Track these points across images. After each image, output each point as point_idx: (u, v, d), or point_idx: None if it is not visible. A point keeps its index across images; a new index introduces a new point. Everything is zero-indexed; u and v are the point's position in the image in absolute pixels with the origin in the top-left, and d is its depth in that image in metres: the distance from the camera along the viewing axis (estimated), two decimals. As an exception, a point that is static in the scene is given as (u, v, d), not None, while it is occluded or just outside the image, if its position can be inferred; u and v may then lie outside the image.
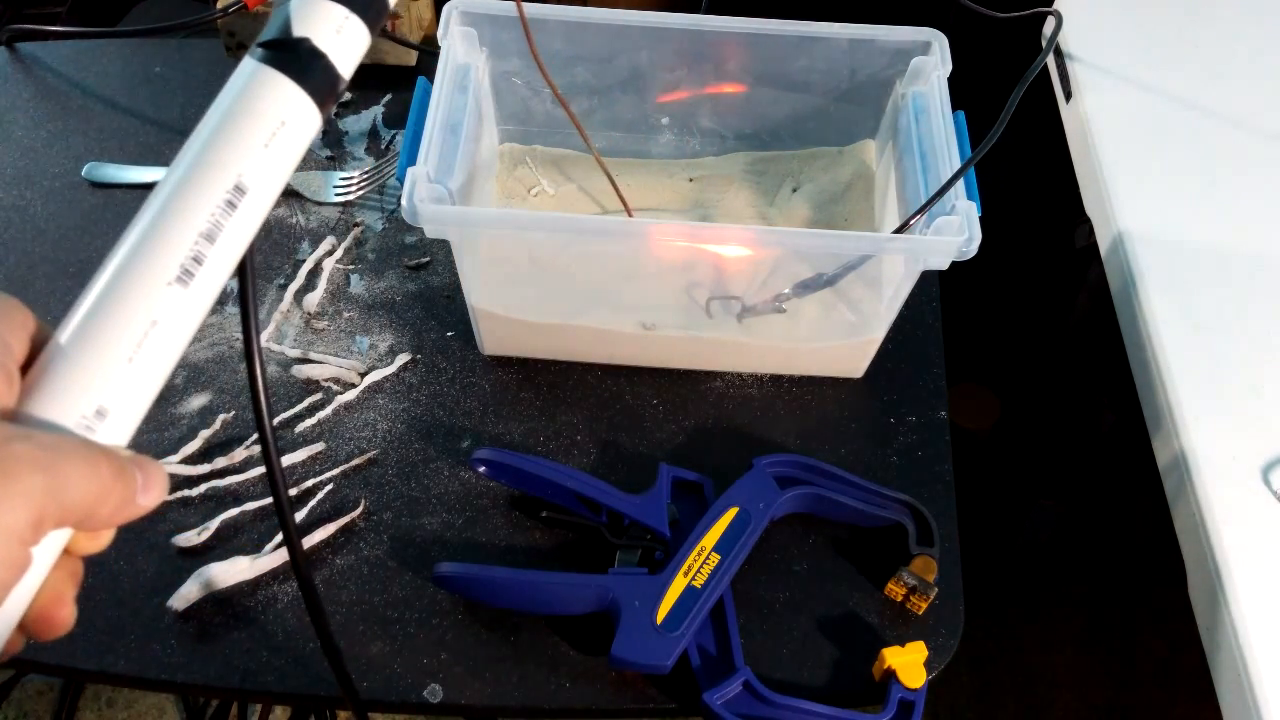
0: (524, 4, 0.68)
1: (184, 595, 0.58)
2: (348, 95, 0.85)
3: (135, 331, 0.31)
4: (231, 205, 0.33)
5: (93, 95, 0.85)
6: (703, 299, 0.67)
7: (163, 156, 0.80)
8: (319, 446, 0.65)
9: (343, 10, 0.35)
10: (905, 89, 0.69)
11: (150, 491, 0.31)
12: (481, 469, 0.63)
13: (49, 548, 0.31)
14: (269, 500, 0.63)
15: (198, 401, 0.67)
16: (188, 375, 0.68)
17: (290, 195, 0.78)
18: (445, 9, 0.66)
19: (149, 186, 0.38)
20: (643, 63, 0.71)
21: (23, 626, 0.31)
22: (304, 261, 0.74)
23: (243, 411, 0.67)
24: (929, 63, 0.67)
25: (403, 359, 0.70)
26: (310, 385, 0.69)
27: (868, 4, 0.78)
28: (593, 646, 0.58)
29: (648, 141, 0.77)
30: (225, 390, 0.68)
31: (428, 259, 0.75)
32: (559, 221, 0.64)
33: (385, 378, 0.69)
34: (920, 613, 0.60)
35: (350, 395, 0.68)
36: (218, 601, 0.59)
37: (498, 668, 0.58)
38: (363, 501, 0.63)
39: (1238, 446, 0.61)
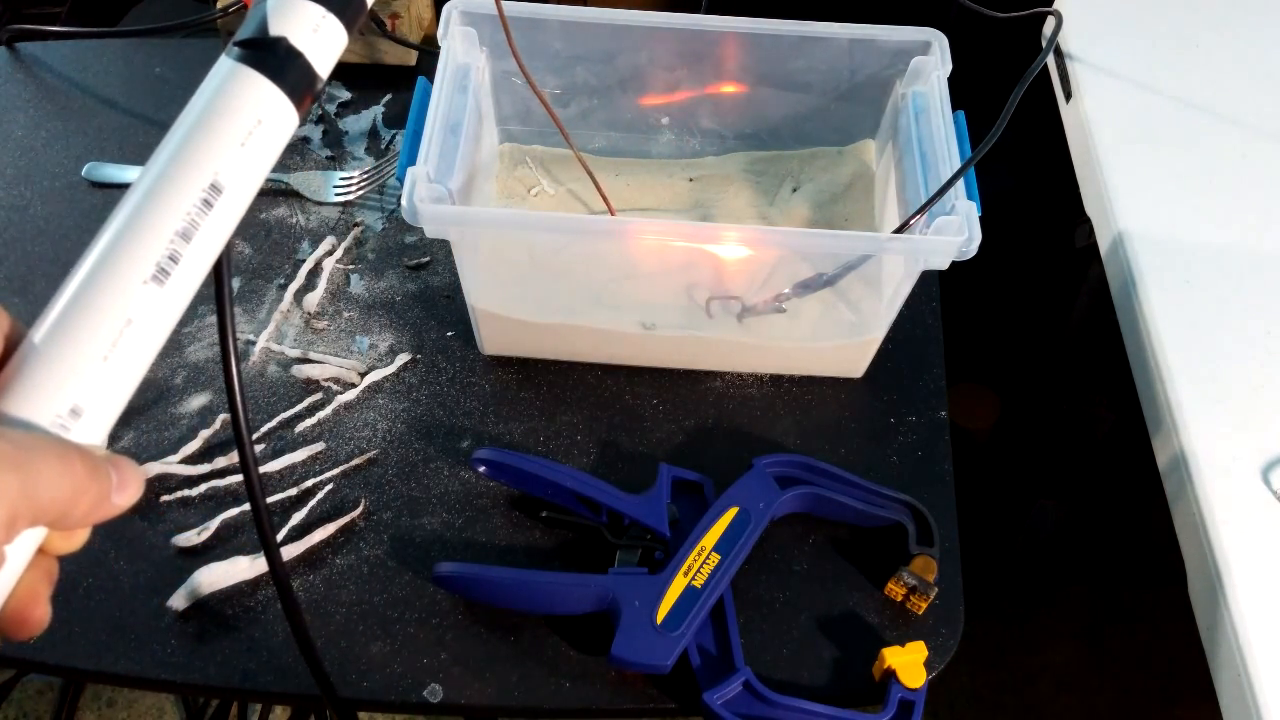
0: (524, 4, 0.68)
1: (184, 595, 0.58)
2: (347, 95, 0.85)
3: (110, 330, 0.31)
4: (208, 204, 0.33)
5: (93, 95, 0.85)
6: (703, 299, 0.67)
7: (163, 156, 0.80)
8: (319, 446, 0.65)
9: (320, 9, 0.35)
10: (905, 89, 0.69)
11: (125, 490, 0.31)
12: (481, 469, 0.63)
13: (23, 547, 0.30)
14: (269, 500, 0.63)
15: (198, 401, 0.67)
16: (188, 375, 0.68)
17: (290, 195, 0.78)
18: (445, 9, 0.66)
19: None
20: (643, 63, 0.71)
21: None
22: (304, 261, 0.74)
23: (243, 411, 0.67)
24: (929, 62, 0.67)
25: (403, 359, 0.70)
26: (310, 385, 0.69)
27: (868, 4, 0.78)
28: (593, 646, 0.58)
29: (648, 141, 0.77)
30: (225, 390, 0.68)
31: (428, 259, 0.75)
32: (559, 221, 0.64)
33: (385, 378, 0.69)
34: (920, 613, 0.60)
35: (350, 395, 0.68)
36: (218, 601, 0.59)
37: (498, 668, 0.58)
38: (363, 501, 0.63)
39: (1238, 446, 0.61)
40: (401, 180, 0.58)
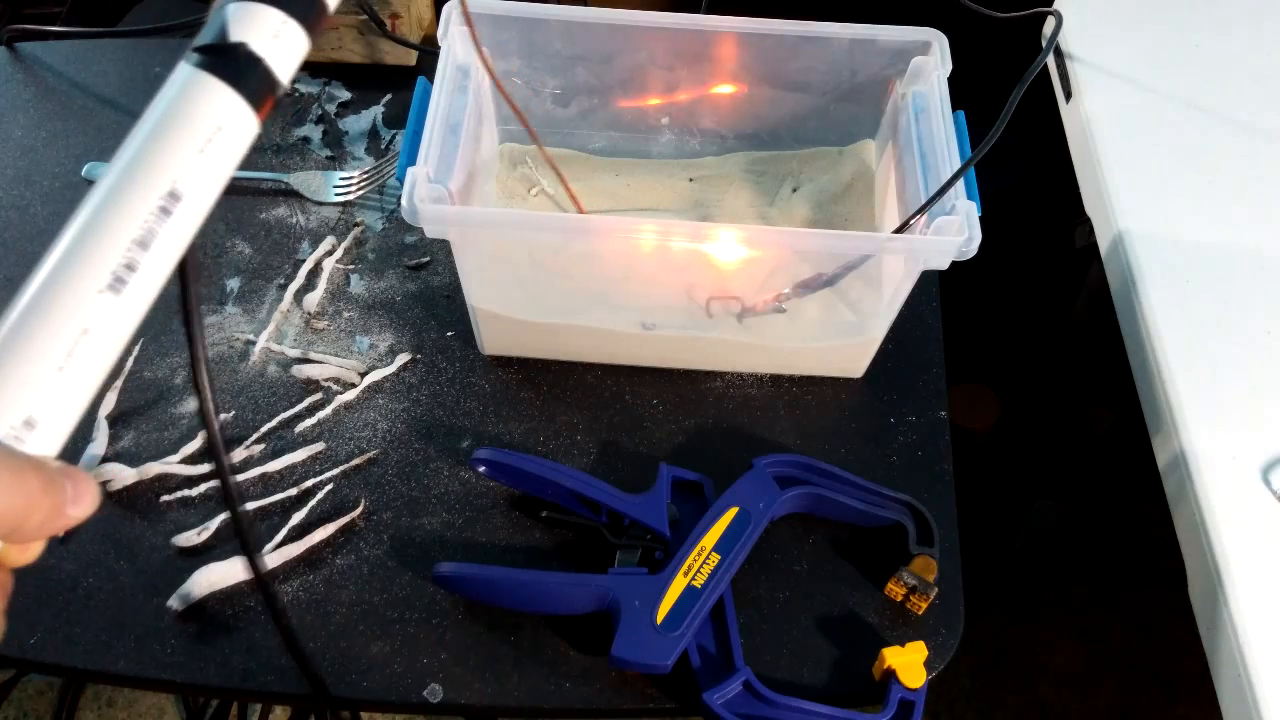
0: (524, 4, 0.68)
1: (184, 595, 0.58)
2: (347, 95, 0.85)
3: (65, 340, 0.31)
4: (166, 212, 0.32)
5: (93, 95, 0.85)
6: (703, 299, 0.67)
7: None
8: (319, 446, 0.65)
9: (281, 15, 0.35)
10: (905, 89, 0.69)
11: (80, 503, 0.31)
12: (481, 469, 0.63)
13: None
14: (269, 500, 0.63)
15: (197, 401, 0.67)
16: (188, 375, 0.68)
17: (290, 195, 0.78)
18: (445, 9, 0.66)
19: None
20: (643, 63, 0.71)
21: None
22: (304, 261, 0.74)
23: (243, 411, 0.67)
24: (929, 63, 0.67)
25: (403, 359, 0.70)
26: (310, 385, 0.69)
27: (868, 4, 0.78)
28: (593, 646, 0.58)
29: (648, 141, 0.77)
30: (225, 390, 0.68)
31: (428, 259, 0.75)
32: (559, 221, 0.64)
33: (385, 378, 0.69)
34: (920, 613, 0.60)
35: (350, 395, 0.68)
36: (218, 601, 0.59)
37: (498, 668, 0.58)
38: (363, 501, 0.63)
39: (1238, 446, 0.61)
40: (401, 180, 0.58)
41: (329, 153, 0.81)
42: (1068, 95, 0.80)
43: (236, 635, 0.58)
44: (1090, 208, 0.75)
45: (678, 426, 0.67)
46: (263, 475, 0.64)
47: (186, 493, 0.63)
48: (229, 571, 0.59)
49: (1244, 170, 0.74)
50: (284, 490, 0.63)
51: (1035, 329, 1.07)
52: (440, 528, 0.63)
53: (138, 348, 0.69)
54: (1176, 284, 0.67)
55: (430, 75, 0.64)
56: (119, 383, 0.67)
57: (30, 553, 0.32)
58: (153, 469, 0.63)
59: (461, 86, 0.65)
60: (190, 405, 0.67)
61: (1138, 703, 1.19)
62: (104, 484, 0.63)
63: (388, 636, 0.58)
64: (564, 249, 0.67)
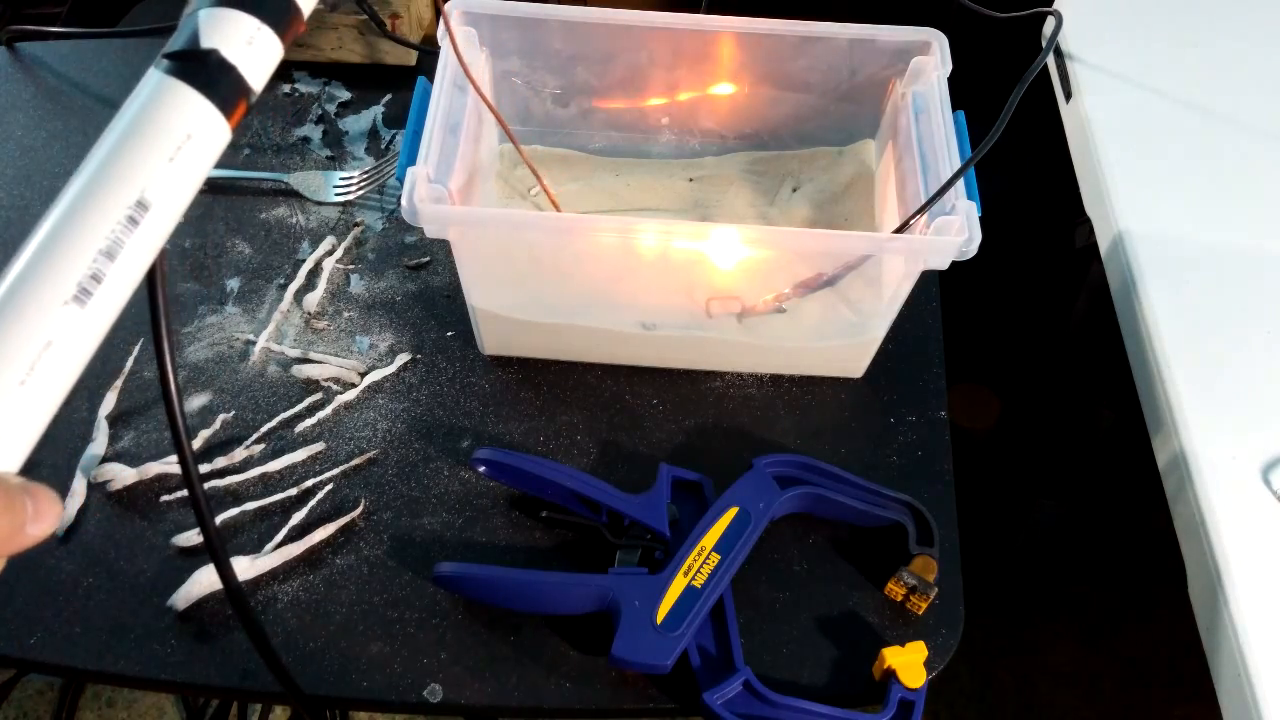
0: (524, 4, 0.68)
1: (184, 595, 0.58)
2: (347, 95, 0.85)
3: (29, 353, 0.30)
4: (133, 221, 0.31)
5: (93, 95, 0.85)
6: (703, 299, 0.67)
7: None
8: (319, 446, 0.65)
9: (255, 21, 0.34)
10: (905, 89, 0.69)
11: (41, 521, 0.30)
12: (481, 469, 0.63)
13: None
14: (269, 500, 0.63)
15: (198, 401, 0.67)
16: (188, 375, 0.68)
17: (290, 195, 0.78)
18: (445, 9, 0.66)
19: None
20: (643, 63, 0.71)
21: None
22: (304, 261, 0.74)
23: (242, 411, 0.67)
24: (929, 62, 0.67)
25: (403, 359, 0.70)
26: (310, 385, 0.69)
27: (868, 4, 0.78)
28: (593, 646, 0.58)
29: (648, 141, 0.77)
30: (225, 390, 0.68)
31: (428, 259, 0.75)
32: (559, 221, 0.64)
33: (385, 378, 0.69)
34: (920, 613, 0.60)
35: (350, 395, 0.68)
36: (218, 601, 0.59)
37: (498, 668, 0.58)
38: (363, 501, 0.63)
39: (1238, 446, 0.61)
40: (401, 180, 0.58)
41: (329, 153, 0.81)
42: (1068, 95, 0.80)
43: (236, 635, 0.58)
44: (1090, 208, 0.75)
45: (678, 426, 0.67)
46: (263, 475, 0.64)
47: (186, 493, 0.63)
48: (229, 571, 0.59)
49: (1244, 170, 0.74)
50: (284, 490, 0.63)
51: (1035, 329, 1.07)
52: (440, 528, 0.63)
53: (137, 348, 0.69)
54: (1176, 284, 0.67)
55: (430, 75, 0.64)
56: (119, 383, 0.67)
57: None
58: (153, 469, 0.63)
59: (461, 86, 0.65)
60: (190, 405, 0.67)
61: (1138, 703, 1.19)
62: (104, 484, 0.63)
63: (388, 636, 0.58)
64: (564, 249, 0.67)
